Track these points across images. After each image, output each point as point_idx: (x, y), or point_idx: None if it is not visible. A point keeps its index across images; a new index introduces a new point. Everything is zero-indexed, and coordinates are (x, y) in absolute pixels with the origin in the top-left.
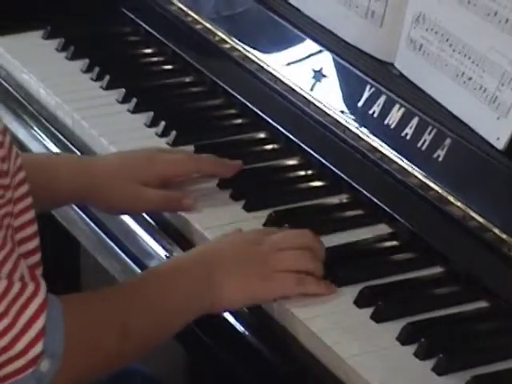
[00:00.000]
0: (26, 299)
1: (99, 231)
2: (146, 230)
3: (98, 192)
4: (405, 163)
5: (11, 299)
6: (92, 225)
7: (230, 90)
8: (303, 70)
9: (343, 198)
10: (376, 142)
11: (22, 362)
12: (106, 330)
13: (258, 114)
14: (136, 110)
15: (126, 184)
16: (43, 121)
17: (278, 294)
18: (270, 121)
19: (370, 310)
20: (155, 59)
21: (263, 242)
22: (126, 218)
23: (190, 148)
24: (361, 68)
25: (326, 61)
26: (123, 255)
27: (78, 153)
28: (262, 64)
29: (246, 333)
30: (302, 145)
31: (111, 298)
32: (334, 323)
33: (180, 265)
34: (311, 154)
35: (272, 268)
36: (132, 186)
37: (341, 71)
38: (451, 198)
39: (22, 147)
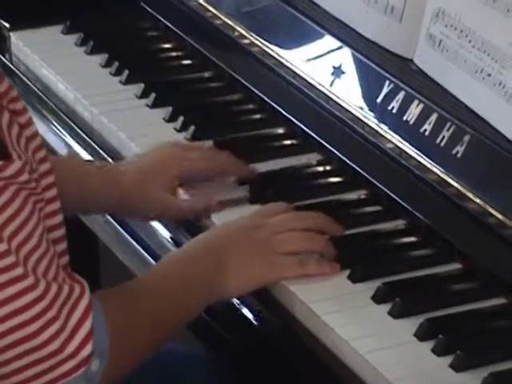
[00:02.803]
0: (75, 301)
1: (117, 225)
2: (165, 225)
3: (129, 204)
4: (423, 159)
5: (62, 301)
6: (109, 218)
7: (249, 86)
8: (322, 66)
9: (361, 193)
10: (395, 138)
11: (72, 363)
12: (141, 324)
13: (277, 110)
14: (155, 105)
15: (155, 194)
16: (62, 115)
17: (280, 276)
18: (289, 116)
19: (387, 306)
20: (174, 54)
21: (263, 226)
22: None
23: (209, 143)
24: (380, 64)
25: (344, 56)
26: (141, 249)
27: (97, 147)
28: (281, 59)
29: (268, 330)
30: (321, 140)
31: (141, 294)
32: (351, 319)
33: (192, 255)
34: (330, 150)
35: (273, 251)
36: (160, 195)
37: (360, 67)
38: (470, 195)
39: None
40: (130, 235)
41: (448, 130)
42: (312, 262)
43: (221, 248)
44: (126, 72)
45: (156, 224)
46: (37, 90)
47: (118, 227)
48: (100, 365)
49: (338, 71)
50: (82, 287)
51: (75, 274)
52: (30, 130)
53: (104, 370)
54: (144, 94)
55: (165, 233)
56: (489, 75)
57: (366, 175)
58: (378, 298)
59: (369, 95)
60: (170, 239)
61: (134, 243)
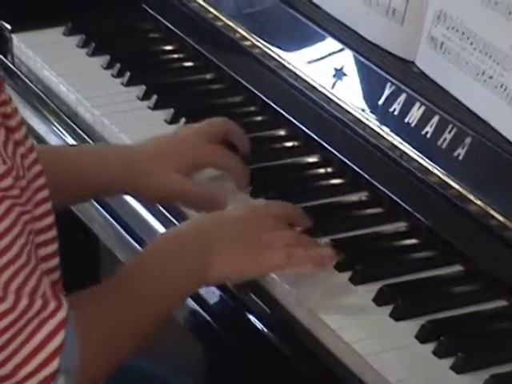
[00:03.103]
0: (45, 317)
1: (118, 226)
2: (164, 225)
3: (139, 181)
4: (425, 161)
5: (31, 316)
6: (111, 220)
7: (251, 87)
8: (323, 68)
9: (363, 195)
10: (396, 140)
11: (34, 381)
12: (119, 331)
13: (278, 112)
14: (156, 107)
15: (168, 172)
16: (63, 116)
17: (269, 268)
18: (291, 118)
19: (388, 308)
20: (176, 56)
21: (259, 219)
22: (145, 214)
23: None
24: (381, 66)
25: (346, 58)
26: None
27: None
28: (282, 61)
29: (269, 332)
30: (322, 142)
31: (117, 297)
32: (352, 321)
33: (178, 242)
34: (331, 152)
35: (262, 244)
36: (174, 174)
37: (361, 69)
38: (471, 197)
39: (43, 143)
40: (131, 236)
41: (449, 132)
42: (299, 252)
43: (206, 238)
44: (128, 74)
45: (158, 225)
46: (38, 92)
47: (120, 228)
48: (66, 381)
49: (339, 73)
50: (58, 302)
51: (60, 293)
52: (19, 134)
53: (76, 381)
54: (146, 96)
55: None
56: (490, 77)
57: (367, 177)
58: (380, 300)
59: (370, 97)
60: None
61: (136, 244)
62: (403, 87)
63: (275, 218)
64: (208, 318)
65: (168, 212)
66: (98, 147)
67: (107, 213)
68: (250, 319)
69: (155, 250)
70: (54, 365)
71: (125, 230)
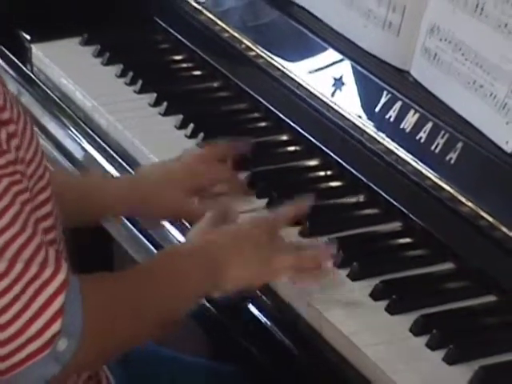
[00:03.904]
0: (43, 282)
1: (130, 226)
2: (175, 226)
3: (148, 207)
4: (419, 165)
5: (26, 282)
6: (124, 220)
7: (255, 95)
8: (323, 77)
9: (360, 197)
10: (392, 145)
11: (38, 343)
12: (122, 311)
13: (281, 118)
14: (167, 113)
15: (171, 197)
16: (79, 122)
17: (278, 273)
18: (293, 124)
19: (384, 303)
20: (185, 65)
21: (260, 230)
22: None
23: None
24: (378, 75)
25: (345, 68)
26: (153, 248)
27: (112, 152)
28: (285, 71)
29: (273, 324)
30: (322, 147)
31: (125, 283)
32: (350, 315)
33: (191, 251)
34: (331, 156)
35: (271, 252)
36: (176, 197)
37: (359, 78)
38: (462, 199)
39: (60, 146)
40: (144, 236)
41: (442, 137)
42: (306, 258)
43: (218, 246)
44: (140, 82)
45: (169, 226)
46: (56, 98)
47: (133, 228)
48: (68, 344)
49: (338, 82)
50: (56, 268)
51: (60, 258)
52: (6, 114)
53: (75, 352)
54: (157, 103)
55: (177, 234)
56: (481, 86)
57: (364, 180)
58: (376, 295)
59: (368, 105)
60: (181, 240)
61: (148, 244)
62: (399, 95)
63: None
64: (211, 308)
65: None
66: (105, 174)
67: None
68: (252, 312)
69: (170, 254)
70: (55, 327)
71: (138, 230)
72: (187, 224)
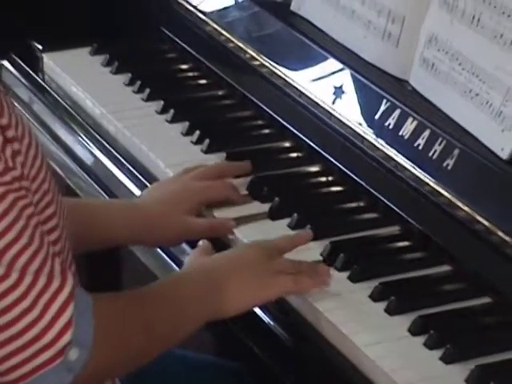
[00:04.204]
0: (54, 291)
1: None
2: None
3: (152, 233)
4: (417, 171)
5: (37, 294)
6: None
7: (259, 103)
8: (325, 85)
9: (360, 202)
10: (391, 152)
11: (50, 352)
12: (133, 328)
13: (284, 125)
14: (173, 120)
15: (176, 221)
16: (89, 129)
17: (278, 295)
18: (295, 131)
19: (383, 304)
20: (191, 74)
21: (257, 252)
22: None
23: (222, 155)
24: (378, 84)
25: (346, 77)
26: (161, 252)
27: (121, 158)
28: (288, 79)
29: (274, 324)
30: (324, 153)
31: (137, 301)
32: (350, 315)
33: (189, 276)
34: (332, 162)
35: (270, 274)
36: (181, 220)
37: (359, 87)
38: (459, 203)
39: (70, 152)
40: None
41: (439, 144)
42: (305, 279)
43: (217, 271)
44: (147, 90)
45: None
46: (66, 106)
47: None
48: (80, 354)
49: (339, 91)
50: (62, 281)
51: (65, 268)
52: (10, 132)
53: (87, 363)
54: (163, 110)
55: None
56: (477, 95)
57: (364, 185)
58: (376, 296)
59: (367, 113)
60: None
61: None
62: (397, 103)
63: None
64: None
65: None
66: (109, 204)
67: None
68: (255, 313)
69: (174, 281)
70: (67, 337)
71: None
72: None
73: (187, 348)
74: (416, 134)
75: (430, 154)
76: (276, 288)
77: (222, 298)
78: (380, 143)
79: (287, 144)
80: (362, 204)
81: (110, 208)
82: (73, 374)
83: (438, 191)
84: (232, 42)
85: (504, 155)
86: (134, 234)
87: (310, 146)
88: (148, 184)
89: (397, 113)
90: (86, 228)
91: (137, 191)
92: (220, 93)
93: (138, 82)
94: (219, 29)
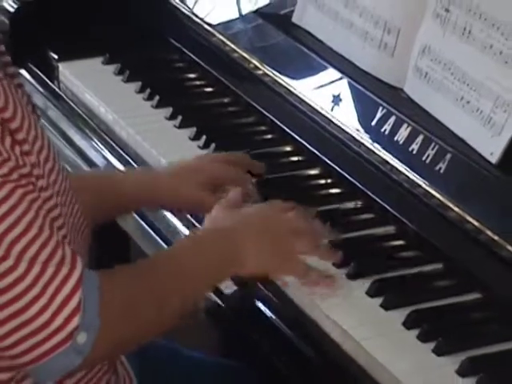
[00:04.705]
0: (61, 280)
1: (146, 226)
2: (187, 227)
3: (168, 200)
4: (411, 174)
5: (45, 282)
6: (140, 220)
7: (262, 110)
8: (324, 93)
9: (358, 203)
10: (387, 156)
11: (60, 336)
12: (143, 301)
13: (285, 131)
14: (181, 126)
15: (190, 190)
16: (102, 134)
17: (287, 274)
18: (296, 136)
19: (379, 300)
20: (198, 82)
21: (280, 221)
22: (170, 216)
23: None
24: (374, 92)
25: (344, 86)
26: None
27: (132, 161)
28: (289, 88)
29: (279, 321)
30: (323, 157)
31: (144, 270)
32: (349, 311)
33: (207, 237)
34: (330, 166)
35: (288, 250)
36: (195, 190)
37: (357, 95)
38: (451, 205)
39: (84, 156)
40: (160, 236)
41: (432, 149)
42: (313, 276)
43: (238, 233)
44: (157, 97)
45: (180, 226)
46: (81, 112)
47: (151, 231)
48: (88, 337)
49: (337, 98)
50: (71, 268)
51: (76, 255)
52: (20, 135)
53: (95, 343)
54: (172, 117)
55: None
56: (468, 102)
57: (361, 187)
58: (372, 292)
59: (364, 119)
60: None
61: (160, 241)
62: (393, 110)
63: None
64: (222, 304)
65: (190, 215)
66: (127, 172)
67: (138, 215)
68: (259, 307)
69: (189, 239)
70: (75, 322)
71: (154, 232)
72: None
73: (195, 347)
74: (410, 139)
75: (424, 158)
76: (287, 270)
77: (241, 260)
78: (376, 148)
79: (288, 148)
80: (358, 205)
81: (127, 175)
82: (82, 355)
83: (430, 193)
84: (237, 52)
85: (493, 159)
86: (152, 201)
87: (309, 150)
88: None
89: (392, 119)
90: (113, 196)
91: None
92: (225, 100)
93: (148, 90)
94: (224, 40)
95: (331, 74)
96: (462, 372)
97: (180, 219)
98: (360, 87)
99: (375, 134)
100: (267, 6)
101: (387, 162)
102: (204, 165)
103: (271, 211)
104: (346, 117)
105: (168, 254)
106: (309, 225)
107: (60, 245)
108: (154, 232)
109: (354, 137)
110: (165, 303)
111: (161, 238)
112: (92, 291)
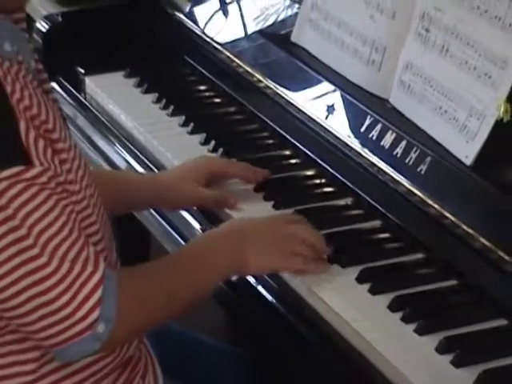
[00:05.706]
0: (85, 278)
1: (164, 223)
2: (200, 223)
3: (167, 197)
4: (395, 175)
5: (72, 279)
6: (159, 218)
7: (264, 118)
8: (320, 104)
9: (348, 200)
10: (374, 159)
11: (81, 326)
12: (155, 297)
13: (285, 136)
14: (193, 132)
15: (186, 187)
16: (123, 139)
17: (290, 270)
18: (294, 142)
19: (367, 286)
20: (208, 94)
21: (286, 229)
22: (186, 214)
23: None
24: (363, 102)
25: (337, 97)
26: (183, 242)
27: (149, 163)
28: (288, 99)
29: (282, 307)
30: (318, 160)
31: (158, 269)
32: (340, 295)
33: (219, 236)
34: (324, 167)
35: (290, 249)
36: (190, 186)
37: (348, 105)
38: (430, 202)
39: (107, 159)
40: (175, 231)
41: (414, 153)
42: (312, 264)
43: (244, 233)
44: (172, 107)
45: (195, 224)
46: (104, 121)
47: (168, 228)
48: (106, 327)
49: (331, 108)
50: (94, 267)
51: (100, 257)
52: (60, 145)
53: (112, 332)
54: (185, 124)
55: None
56: (445, 112)
57: (351, 186)
58: (360, 279)
59: (354, 126)
60: None
61: (178, 237)
62: (379, 119)
63: (300, 240)
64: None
65: (202, 213)
66: (140, 175)
67: (157, 213)
68: (260, 292)
69: (200, 239)
70: (95, 314)
71: (172, 228)
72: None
73: (205, 334)
74: (395, 144)
75: (407, 160)
76: (288, 266)
77: (247, 259)
78: (365, 152)
79: (287, 152)
80: (349, 202)
81: (139, 178)
82: (100, 342)
83: (412, 192)
84: (242, 67)
85: (468, 162)
86: (153, 198)
87: (306, 153)
88: None
89: (379, 126)
90: (121, 192)
91: None
92: (232, 109)
93: (164, 100)
94: (231, 56)
95: (325, 86)
96: (441, 349)
97: (195, 218)
98: (351, 98)
99: (364, 139)
100: (269, 26)
101: (374, 165)
102: (202, 162)
103: (280, 223)
104: (339, 124)
105: (180, 252)
106: (315, 238)
107: (86, 246)
108: (171, 228)
109: (345, 142)
110: (175, 298)
111: (178, 234)
112: (111, 288)
